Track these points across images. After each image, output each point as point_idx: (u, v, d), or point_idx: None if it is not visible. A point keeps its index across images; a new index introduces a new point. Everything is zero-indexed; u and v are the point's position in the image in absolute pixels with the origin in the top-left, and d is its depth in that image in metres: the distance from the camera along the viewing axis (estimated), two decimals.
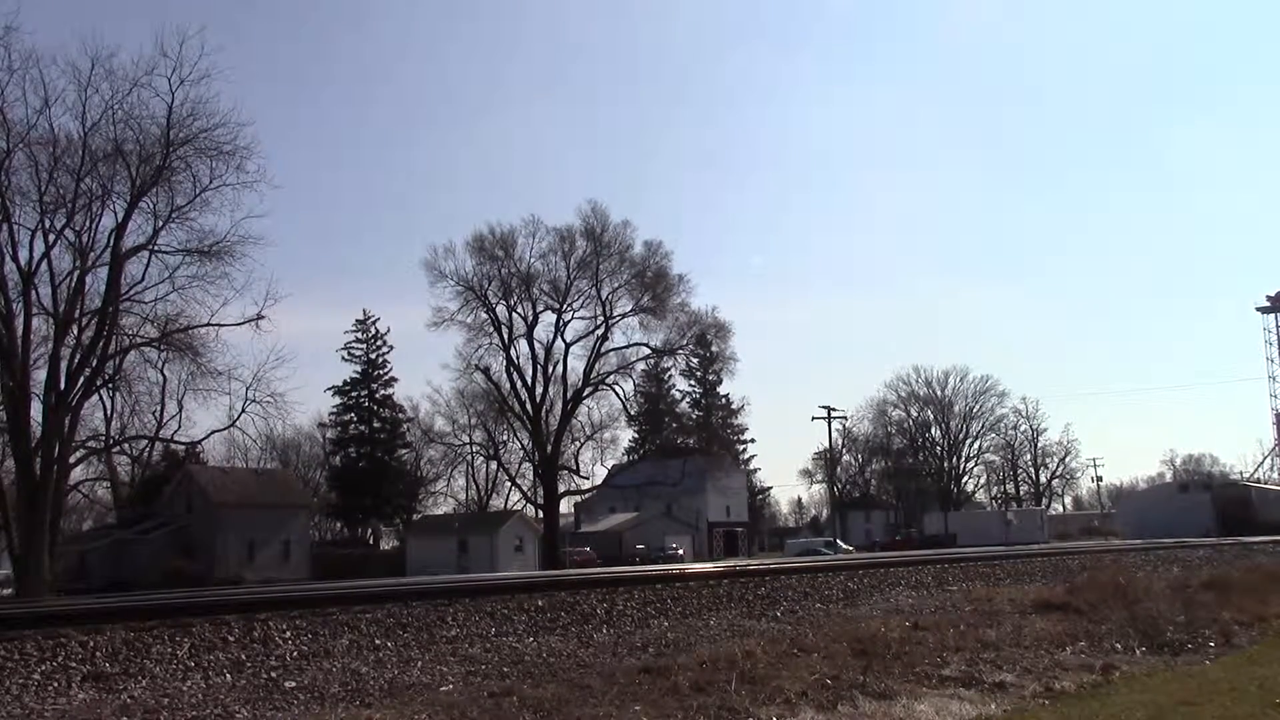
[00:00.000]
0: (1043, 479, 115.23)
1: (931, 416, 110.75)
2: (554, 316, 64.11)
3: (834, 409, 75.21)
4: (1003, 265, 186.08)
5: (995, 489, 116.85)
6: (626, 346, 65.36)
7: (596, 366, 64.47)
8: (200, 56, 41.04)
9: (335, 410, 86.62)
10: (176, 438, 48.02)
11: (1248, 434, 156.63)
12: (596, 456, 72.11)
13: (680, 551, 72.03)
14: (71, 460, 41.85)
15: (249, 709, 8.68)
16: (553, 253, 64.01)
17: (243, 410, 43.03)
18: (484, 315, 63.59)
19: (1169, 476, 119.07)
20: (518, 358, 64.35)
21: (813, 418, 76.46)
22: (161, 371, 43.47)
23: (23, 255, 39.26)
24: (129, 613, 11.96)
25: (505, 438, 73.81)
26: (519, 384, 64.52)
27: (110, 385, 44.89)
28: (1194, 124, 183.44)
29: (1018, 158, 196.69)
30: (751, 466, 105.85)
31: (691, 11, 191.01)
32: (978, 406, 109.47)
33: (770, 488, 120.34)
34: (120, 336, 41.90)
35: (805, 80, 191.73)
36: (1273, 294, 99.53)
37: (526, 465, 74.46)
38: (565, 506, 76.08)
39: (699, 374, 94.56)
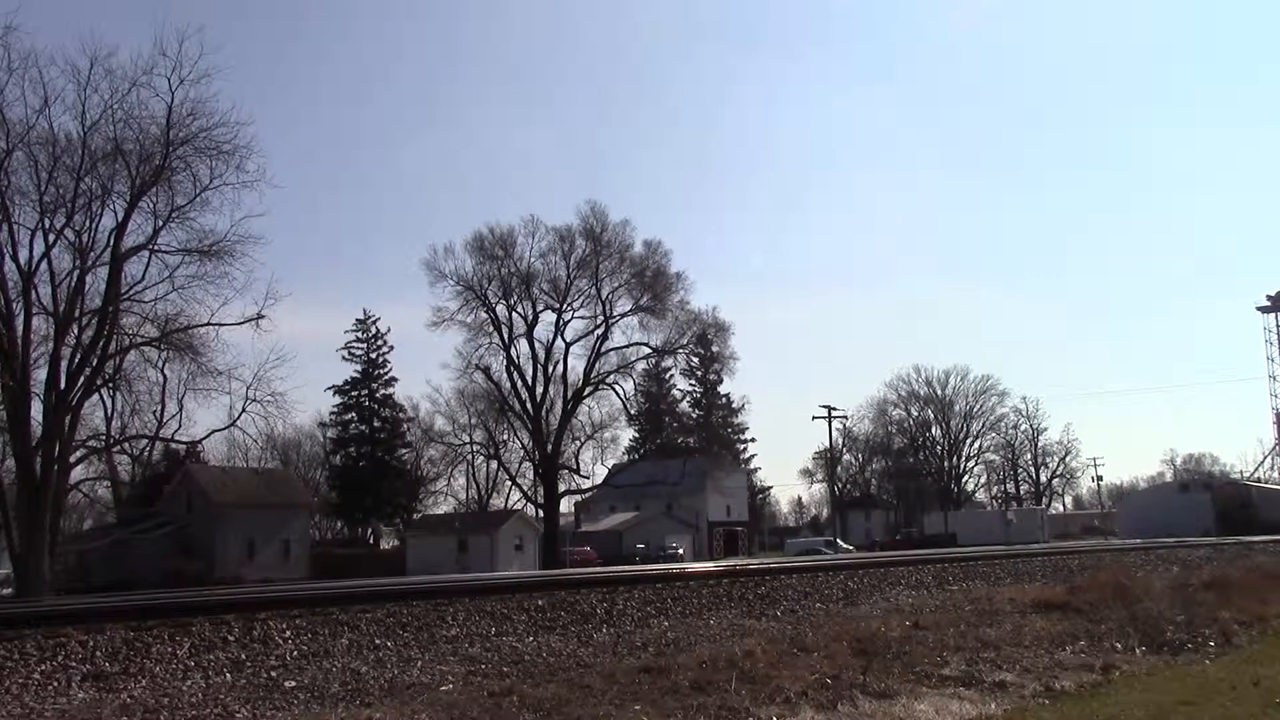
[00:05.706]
0: (1043, 479, 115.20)
1: (932, 416, 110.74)
2: (554, 316, 64.24)
3: (834, 409, 75.16)
4: (1003, 265, 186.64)
5: (995, 489, 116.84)
6: (626, 346, 65.48)
7: (597, 366, 64.59)
8: (200, 56, 40.57)
9: (335, 410, 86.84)
10: (176, 437, 47.91)
11: (1248, 434, 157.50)
12: (597, 456, 72.34)
13: (680, 551, 71.93)
14: (71, 460, 41.72)
15: (249, 708, 8.68)
16: (552, 252, 64.17)
17: (243, 410, 42.82)
18: (484, 315, 63.71)
19: (1169, 476, 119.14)
20: (518, 357, 64.48)
21: (813, 417, 76.36)
22: (161, 371, 43.38)
23: (23, 255, 39.15)
24: (129, 613, 11.98)
25: (505, 437, 73.86)
26: (519, 383, 64.59)
27: (110, 385, 44.91)
28: (1194, 124, 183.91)
29: (1017, 158, 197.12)
30: (751, 466, 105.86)
31: (692, 11, 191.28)
32: (978, 406, 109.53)
33: (770, 487, 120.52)
34: (120, 336, 41.79)
35: (805, 80, 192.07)
36: (1273, 294, 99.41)
37: (526, 465, 74.40)
38: (565, 506, 76.13)
39: (699, 374, 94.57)
